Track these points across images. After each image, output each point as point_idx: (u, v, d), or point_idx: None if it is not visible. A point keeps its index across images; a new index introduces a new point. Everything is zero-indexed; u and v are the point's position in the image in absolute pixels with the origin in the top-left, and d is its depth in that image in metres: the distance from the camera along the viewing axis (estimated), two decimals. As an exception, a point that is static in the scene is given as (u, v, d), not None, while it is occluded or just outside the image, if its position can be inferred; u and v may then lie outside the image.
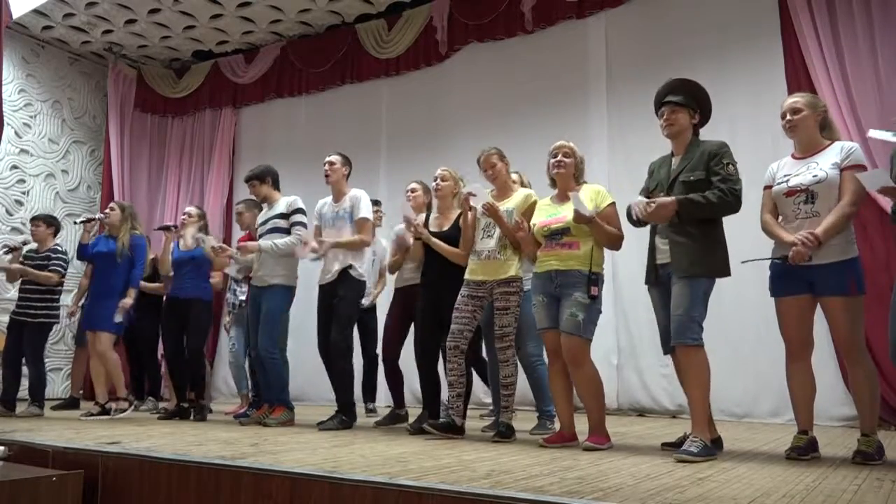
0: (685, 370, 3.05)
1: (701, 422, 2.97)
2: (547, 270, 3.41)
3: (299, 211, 4.65)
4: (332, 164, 4.56)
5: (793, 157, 3.16)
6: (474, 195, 3.66)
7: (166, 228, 5.51)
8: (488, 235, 3.75)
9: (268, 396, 4.73)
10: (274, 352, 4.54)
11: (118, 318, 5.13)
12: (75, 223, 5.85)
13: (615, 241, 3.38)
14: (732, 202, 3.01)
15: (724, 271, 3.10)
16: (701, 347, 2.99)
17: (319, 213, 4.63)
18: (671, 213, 3.04)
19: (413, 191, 4.59)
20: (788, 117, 3.10)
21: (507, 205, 3.75)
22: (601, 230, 3.30)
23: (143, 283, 5.54)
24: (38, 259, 5.46)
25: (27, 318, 5.33)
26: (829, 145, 3.07)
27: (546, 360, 4.19)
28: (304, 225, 4.62)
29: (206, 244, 5.05)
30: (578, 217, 3.26)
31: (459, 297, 3.76)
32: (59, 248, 5.58)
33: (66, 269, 5.56)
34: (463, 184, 4.17)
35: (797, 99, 3.14)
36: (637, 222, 3.27)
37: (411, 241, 4.26)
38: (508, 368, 3.66)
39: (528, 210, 3.66)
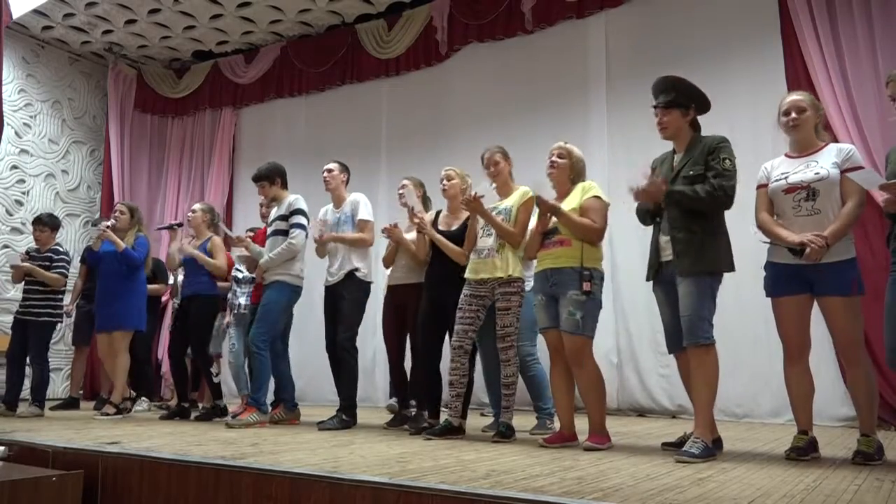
0: (696, 369, 3.00)
1: (704, 423, 2.96)
2: (543, 270, 3.43)
3: (298, 212, 4.62)
4: (330, 171, 4.62)
5: (787, 156, 3.15)
6: (483, 196, 3.68)
7: (170, 227, 5.51)
8: (487, 234, 3.76)
9: (281, 396, 4.77)
10: (261, 346, 4.48)
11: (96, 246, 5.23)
12: (92, 226, 5.83)
13: (587, 233, 3.33)
14: (722, 198, 2.99)
15: (728, 267, 3.08)
16: (712, 346, 2.98)
17: (323, 221, 4.64)
18: (659, 193, 3.04)
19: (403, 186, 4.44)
20: (794, 115, 3.06)
21: (507, 203, 3.78)
22: (567, 219, 3.30)
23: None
24: (40, 259, 5.42)
25: (31, 318, 5.32)
26: (824, 146, 3.06)
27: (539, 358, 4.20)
28: (302, 227, 4.59)
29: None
30: (540, 202, 3.31)
31: (462, 296, 3.76)
32: (61, 249, 5.57)
33: (68, 270, 5.57)
34: (469, 181, 4.18)
35: (801, 97, 3.11)
36: (644, 219, 3.27)
37: (407, 227, 4.22)
38: (510, 368, 3.66)
39: (527, 203, 3.70)
